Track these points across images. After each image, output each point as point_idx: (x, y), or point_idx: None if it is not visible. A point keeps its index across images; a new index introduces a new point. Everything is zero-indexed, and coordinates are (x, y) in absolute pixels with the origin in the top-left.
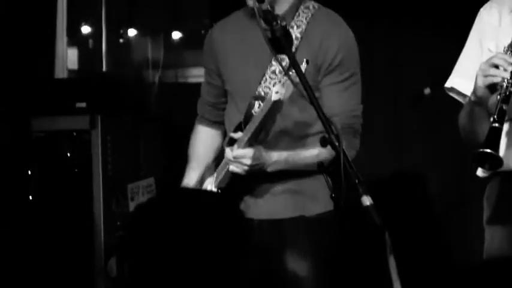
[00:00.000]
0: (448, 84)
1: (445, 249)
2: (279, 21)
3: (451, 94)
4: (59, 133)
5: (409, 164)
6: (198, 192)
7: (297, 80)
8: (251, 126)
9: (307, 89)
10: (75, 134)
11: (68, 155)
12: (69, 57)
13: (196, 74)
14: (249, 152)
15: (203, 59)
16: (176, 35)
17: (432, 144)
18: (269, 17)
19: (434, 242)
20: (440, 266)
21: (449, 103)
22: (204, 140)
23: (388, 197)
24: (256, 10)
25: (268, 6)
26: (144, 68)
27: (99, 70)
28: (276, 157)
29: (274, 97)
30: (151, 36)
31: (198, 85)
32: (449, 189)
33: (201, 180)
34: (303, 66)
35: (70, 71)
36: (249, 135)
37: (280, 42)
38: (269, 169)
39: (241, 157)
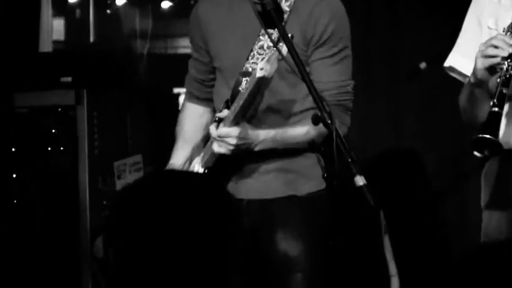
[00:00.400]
0: (447, 64)
1: (442, 230)
2: None
3: (451, 74)
4: (43, 109)
5: (406, 141)
6: (184, 174)
7: (286, 54)
8: (237, 104)
9: (297, 64)
10: (60, 109)
11: (53, 131)
12: (55, 28)
13: (186, 45)
14: (234, 130)
15: (189, 34)
16: (165, 4)
17: (429, 120)
18: None
19: (431, 222)
20: (437, 247)
21: (446, 78)
22: (192, 117)
23: (383, 176)
24: None
25: None
26: (133, 39)
27: (86, 41)
28: (263, 135)
29: (259, 73)
30: (139, 5)
31: (188, 56)
32: (447, 166)
33: (189, 160)
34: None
35: (56, 42)
36: (234, 113)
37: (271, 16)
38: (256, 148)
39: (225, 136)
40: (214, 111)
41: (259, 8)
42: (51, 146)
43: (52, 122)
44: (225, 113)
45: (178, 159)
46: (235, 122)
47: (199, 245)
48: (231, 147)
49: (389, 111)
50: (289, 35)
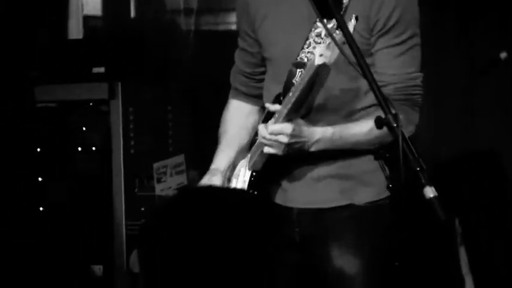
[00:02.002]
0: None
1: None
2: None
3: None
4: (72, 103)
5: (484, 143)
6: (224, 192)
7: (344, 40)
8: (290, 98)
9: (357, 56)
10: (91, 104)
11: (84, 129)
12: (90, 1)
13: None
14: (287, 127)
15: (237, 21)
16: None
17: (510, 118)
18: None
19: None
20: None
21: None
22: (237, 117)
23: (458, 181)
24: None
25: None
26: (176, 14)
27: (126, 16)
28: (320, 134)
29: (318, 61)
30: None
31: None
32: None
33: (233, 165)
34: (352, 24)
35: (91, 18)
36: (288, 108)
37: (327, 4)
38: (312, 149)
39: (277, 133)
40: (263, 110)
41: None
42: (82, 146)
43: (82, 118)
44: (276, 107)
45: (220, 163)
46: (288, 118)
47: (239, 268)
48: (283, 147)
49: (463, 110)
50: (354, 16)
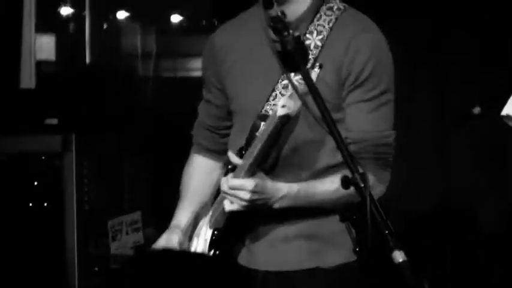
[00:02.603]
0: (504, 112)
1: None
2: (290, 32)
3: (509, 122)
4: (24, 156)
5: (457, 197)
6: (181, 256)
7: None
8: (252, 151)
9: (320, 106)
10: (43, 157)
11: (35, 183)
12: (44, 46)
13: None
14: (249, 182)
15: (202, 70)
16: (174, 18)
17: (485, 172)
18: (279, 25)
19: None
20: None
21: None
22: (200, 173)
23: (431, 238)
24: (264, 17)
25: (279, 12)
26: (134, 59)
27: (82, 61)
28: (285, 190)
29: (280, 112)
30: (142, 20)
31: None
32: (505, 227)
33: (195, 222)
34: (315, 72)
35: (45, 63)
36: (249, 162)
37: (291, 57)
38: (276, 205)
39: (238, 188)
40: (227, 164)
41: (278, 47)
42: (33, 202)
43: (34, 172)
44: (238, 161)
45: (180, 220)
46: (251, 172)
47: None
48: (244, 203)
49: (435, 160)
50: (318, 64)
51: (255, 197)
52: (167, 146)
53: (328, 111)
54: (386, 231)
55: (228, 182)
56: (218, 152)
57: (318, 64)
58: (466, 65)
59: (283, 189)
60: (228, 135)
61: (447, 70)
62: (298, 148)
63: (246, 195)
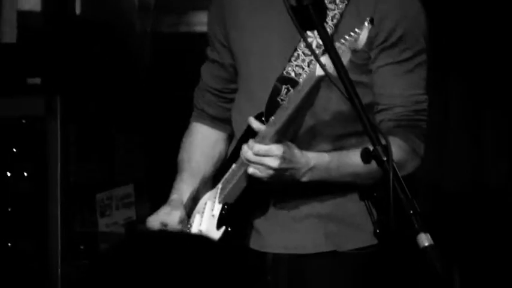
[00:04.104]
0: None
1: None
2: None
3: None
4: (1, 120)
5: (493, 177)
6: (186, 239)
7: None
8: (280, 116)
9: (339, 70)
10: (24, 122)
11: (14, 151)
12: None
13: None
14: (277, 148)
15: (208, 25)
16: None
17: None
18: None
19: None
20: None
21: None
22: (203, 144)
23: (462, 220)
24: None
25: None
26: (130, 12)
27: (71, 14)
28: (316, 160)
29: (320, 71)
30: None
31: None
32: None
33: (195, 197)
34: (366, 28)
35: (29, 14)
36: (276, 128)
37: (308, 13)
38: (304, 178)
39: (265, 154)
40: (231, 137)
41: (293, 1)
42: (11, 171)
43: (13, 138)
44: (260, 127)
45: (182, 195)
46: (276, 139)
47: None
48: (271, 172)
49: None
50: (368, 19)
51: (284, 165)
52: (166, 110)
53: (347, 74)
54: (411, 211)
55: (254, 148)
56: (223, 121)
57: (368, 19)
58: None
59: (313, 159)
60: (232, 100)
61: None
62: (319, 115)
63: (275, 162)
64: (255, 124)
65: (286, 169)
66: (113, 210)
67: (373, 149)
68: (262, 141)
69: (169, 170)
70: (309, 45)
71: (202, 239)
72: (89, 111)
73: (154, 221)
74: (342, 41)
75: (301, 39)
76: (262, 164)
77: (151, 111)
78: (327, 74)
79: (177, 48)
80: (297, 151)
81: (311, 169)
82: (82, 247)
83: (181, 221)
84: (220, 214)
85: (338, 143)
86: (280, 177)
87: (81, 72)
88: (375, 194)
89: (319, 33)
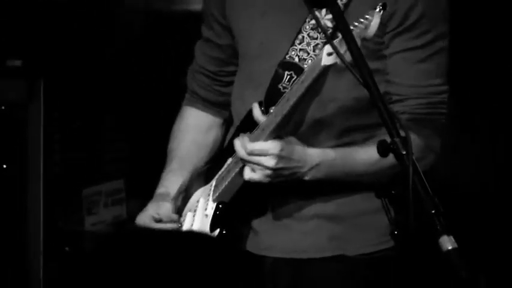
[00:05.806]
0: None
1: None
2: None
3: None
4: None
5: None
6: (176, 237)
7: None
8: (282, 107)
9: (359, 64)
10: (3, 108)
11: None
12: None
13: None
14: (273, 145)
15: (203, 1)
16: None
17: None
18: None
19: None
20: None
21: None
22: (194, 130)
23: (488, 221)
24: None
25: None
26: None
27: None
28: (320, 157)
29: (327, 61)
30: None
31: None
32: None
33: (186, 189)
34: (377, 14)
35: None
36: (278, 120)
37: None
38: (307, 176)
39: (261, 153)
40: (229, 124)
41: None
42: None
43: None
44: (260, 117)
45: (171, 187)
46: (276, 134)
47: None
48: (269, 172)
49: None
50: (380, 5)
51: (282, 164)
52: (158, 95)
53: (362, 55)
54: (433, 211)
55: (247, 147)
56: (217, 105)
57: (380, 4)
58: None
59: (317, 156)
60: (229, 84)
61: None
62: (326, 105)
63: (271, 162)
64: (257, 113)
65: (284, 168)
66: (101, 208)
67: (390, 141)
68: (260, 136)
69: (165, 162)
70: (319, 24)
71: (194, 237)
72: (74, 96)
73: (145, 218)
74: (351, 27)
75: (306, 20)
76: (257, 164)
77: (143, 99)
78: (340, 58)
79: (171, 28)
80: (298, 147)
81: (315, 167)
82: (66, 248)
83: (170, 218)
84: (214, 214)
85: (343, 139)
86: (280, 177)
87: (66, 53)
88: (393, 192)
89: (331, 11)
